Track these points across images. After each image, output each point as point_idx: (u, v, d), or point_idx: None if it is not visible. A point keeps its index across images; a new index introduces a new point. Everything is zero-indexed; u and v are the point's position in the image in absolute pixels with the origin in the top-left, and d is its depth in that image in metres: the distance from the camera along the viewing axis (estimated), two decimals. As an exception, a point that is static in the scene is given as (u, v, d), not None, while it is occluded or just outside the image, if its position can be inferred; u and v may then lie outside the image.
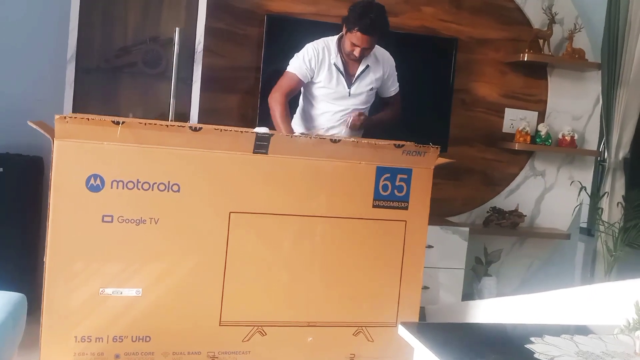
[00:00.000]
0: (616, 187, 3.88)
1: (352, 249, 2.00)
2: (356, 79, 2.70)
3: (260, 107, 3.38)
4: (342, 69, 2.67)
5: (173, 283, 1.85)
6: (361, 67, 2.69)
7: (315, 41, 2.70)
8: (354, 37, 2.53)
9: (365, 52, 2.59)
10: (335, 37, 2.69)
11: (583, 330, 1.55)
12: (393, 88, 2.80)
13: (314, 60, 2.64)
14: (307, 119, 2.80)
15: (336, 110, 2.72)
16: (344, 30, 2.59)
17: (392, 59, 2.79)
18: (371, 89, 2.74)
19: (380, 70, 2.74)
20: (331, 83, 2.67)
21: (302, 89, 2.79)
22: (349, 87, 2.69)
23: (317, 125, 2.75)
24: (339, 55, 2.66)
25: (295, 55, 2.71)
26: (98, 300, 1.79)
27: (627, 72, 3.77)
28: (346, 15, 2.59)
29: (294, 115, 2.86)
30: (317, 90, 2.71)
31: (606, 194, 3.86)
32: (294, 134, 2.10)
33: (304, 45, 2.75)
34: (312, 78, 2.68)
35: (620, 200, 3.84)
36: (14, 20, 3.14)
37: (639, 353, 1.40)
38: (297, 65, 2.66)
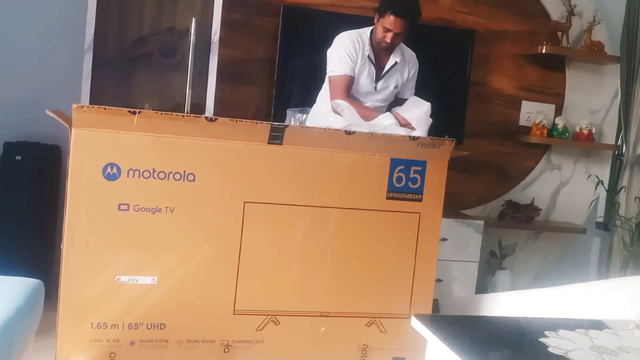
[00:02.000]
0: (633, 182, 3.84)
1: (365, 241, 2.01)
2: (384, 74, 2.67)
3: (275, 98, 3.38)
4: (374, 61, 2.64)
5: (188, 271, 1.86)
6: (390, 62, 2.65)
7: (346, 33, 2.63)
8: (387, 22, 2.49)
9: (397, 39, 2.55)
10: (368, 29, 2.64)
11: (598, 325, 1.54)
12: (410, 92, 2.76)
13: (354, 52, 2.57)
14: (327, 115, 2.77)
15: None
16: (376, 17, 2.56)
17: (417, 63, 2.76)
18: (395, 87, 2.71)
19: (406, 70, 2.72)
20: (362, 76, 2.62)
21: (325, 83, 2.72)
22: (376, 82, 2.67)
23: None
24: (370, 48, 2.62)
25: (331, 55, 2.62)
26: (114, 287, 1.82)
27: (646, 66, 3.72)
28: (379, 3, 2.56)
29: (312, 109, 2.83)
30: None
31: (623, 189, 3.81)
32: (309, 126, 2.10)
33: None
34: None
35: (637, 195, 3.80)
36: (32, 11, 3.17)
37: (654, 348, 1.39)
38: (342, 63, 2.57)
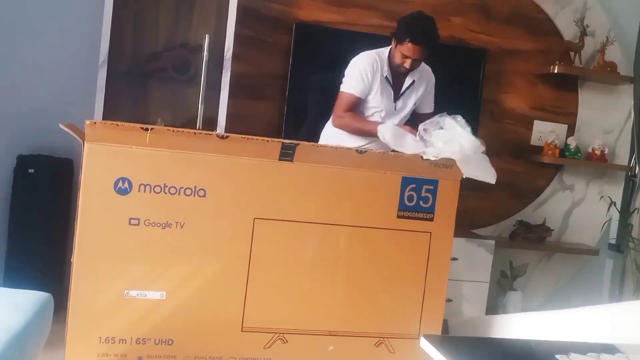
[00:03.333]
0: (647, 204, 3.80)
1: (375, 259, 1.99)
2: (402, 94, 2.68)
3: (286, 114, 3.40)
4: (392, 82, 2.65)
5: (197, 287, 1.86)
6: (408, 82, 2.67)
7: (365, 54, 2.63)
8: (405, 49, 2.51)
9: (415, 64, 2.57)
10: (386, 50, 2.65)
11: (610, 349, 1.51)
12: (429, 106, 2.76)
13: (370, 74, 2.58)
14: (343, 135, 2.75)
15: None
16: (394, 43, 2.57)
17: (433, 77, 2.76)
18: (414, 104, 2.72)
19: (424, 86, 2.73)
20: (382, 97, 2.63)
21: None
22: (395, 102, 2.68)
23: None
24: (388, 69, 2.63)
25: (347, 73, 2.64)
26: (123, 301, 1.82)
27: (660, 86, 3.70)
28: (395, 29, 2.57)
29: (325, 128, 2.83)
30: (368, 105, 2.65)
31: (636, 210, 3.77)
32: (320, 144, 2.10)
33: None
34: (368, 94, 2.62)
35: (651, 216, 3.76)
36: (48, 25, 3.22)
37: (668, 375, 1.36)
38: (354, 83, 2.59)
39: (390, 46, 2.63)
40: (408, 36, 2.48)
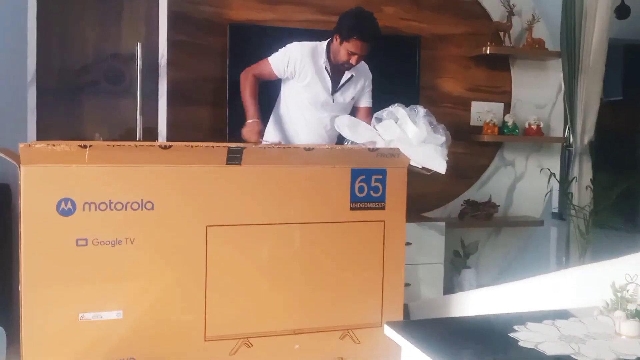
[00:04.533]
0: (584, 172, 3.97)
1: (332, 253, 2.00)
2: (340, 86, 2.71)
3: (229, 117, 3.36)
4: (330, 74, 2.67)
5: (154, 302, 1.82)
6: (347, 76, 2.70)
7: (304, 43, 2.67)
8: (352, 46, 2.53)
9: (360, 60, 2.61)
10: (324, 42, 2.68)
11: (563, 315, 1.58)
12: (367, 100, 2.80)
13: (298, 64, 2.63)
14: (282, 126, 2.79)
15: (315, 117, 2.71)
16: (337, 40, 2.58)
17: (370, 73, 2.81)
18: (352, 99, 2.75)
19: (361, 81, 2.76)
20: (318, 87, 2.66)
21: (282, 92, 2.77)
22: (333, 94, 2.69)
23: (291, 133, 2.74)
24: (327, 60, 2.66)
25: (281, 49, 2.69)
26: (78, 325, 1.76)
27: (586, 59, 3.87)
28: (337, 25, 2.59)
29: (268, 122, 2.84)
30: (301, 94, 2.69)
31: (575, 179, 3.94)
32: (267, 145, 2.09)
33: (269, 52, 2.74)
34: (288, 78, 2.68)
35: (589, 184, 3.93)
36: (-31, 46, 3.07)
37: (619, 333, 1.43)
38: (278, 60, 2.66)
39: (329, 40, 2.65)
40: (355, 34, 2.50)
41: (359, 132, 2.23)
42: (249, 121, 2.61)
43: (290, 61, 2.63)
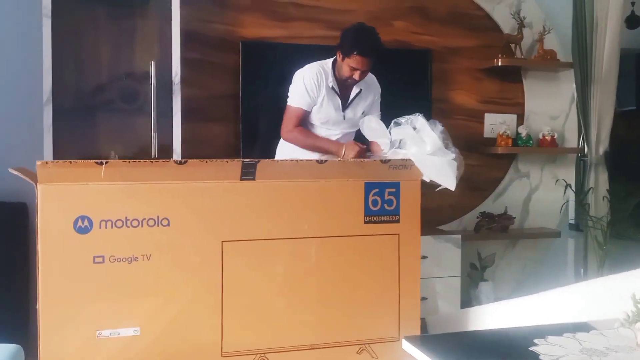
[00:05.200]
0: (600, 182, 3.94)
1: (347, 267, 1.99)
2: (350, 102, 2.71)
3: (242, 133, 3.38)
4: (338, 92, 2.68)
5: (171, 318, 1.82)
6: (355, 91, 2.70)
7: (309, 66, 2.67)
8: (353, 61, 2.54)
9: (363, 75, 2.62)
10: (329, 61, 2.68)
11: (584, 327, 1.55)
12: (376, 114, 2.81)
13: (315, 88, 2.62)
14: (292, 145, 2.79)
15: (329, 135, 2.71)
16: (339, 56, 2.60)
17: (379, 85, 2.81)
18: (362, 113, 2.75)
19: (371, 95, 2.76)
20: (329, 107, 2.66)
21: None
22: (344, 111, 2.70)
23: (303, 151, 2.73)
24: (334, 79, 2.66)
25: (292, 87, 2.68)
26: (95, 343, 1.76)
27: (598, 68, 3.85)
28: (339, 42, 2.60)
29: (280, 140, 2.85)
30: (314, 116, 2.69)
31: (591, 190, 3.90)
32: (279, 159, 2.10)
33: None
34: (313, 105, 2.67)
35: (605, 194, 3.89)
36: (-13, 68, 3.12)
37: (642, 345, 1.41)
38: (299, 97, 2.63)
39: (334, 57, 2.66)
40: (355, 49, 2.52)
41: (376, 134, 2.26)
42: (346, 145, 2.56)
43: (312, 90, 2.62)
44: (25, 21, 3.12)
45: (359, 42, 2.52)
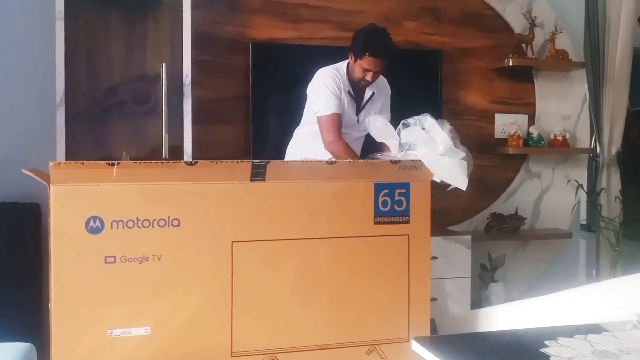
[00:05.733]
0: (612, 183, 3.90)
1: (357, 268, 1.99)
2: (364, 106, 2.71)
3: (252, 135, 3.40)
4: (353, 96, 2.67)
5: (181, 318, 1.83)
6: (368, 94, 2.70)
7: (324, 71, 2.64)
8: (366, 63, 2.53)
9: (376, 76, 2.60)
10: (343, 64, 2.67)
11: (595, 329, 1.54)
12: (386, 115, 2.79)
13: (338, 91, 2.59)
14: (304, 145, 2.77)
15: (344, 139, 2.69)
16: (352, 58, 2.59)
17: (389, 87, 2.80)
18: None
19: (383, 97, 2.76)
20: (345, 112, 2.64)
21: (306, 112, 2.74)
22: (357, 115, 2.70)
23: (314, 153, 2.71)
24: (349, 83, 2.65)
25: (315, 95, 2.62)
26: (107, 342, 1.77)
27: (611, 68, 3.82)
28: (351, 43, 2.59)
29: (290, 141, 2.85)
30: None
31: (603, 190, 3.87)
32: (289, 161, 2.10)
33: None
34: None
35: (617, 195, 3.86)
36: (0, 69, 3.16)
37: (654, 347, 1.39)
38: (329, 103, 2.57)
39: (347, 61, 2.66)
40: (367, 50, 2.51)
41: (384, 135, 2.20)
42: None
43: (334, 94, 2.58)
44: (38, 24, 3.16)
45: (370, 43, 2.52)
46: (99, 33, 3.21)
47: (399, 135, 2.14)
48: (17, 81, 3.19)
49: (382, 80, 2.75)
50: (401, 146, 2.10)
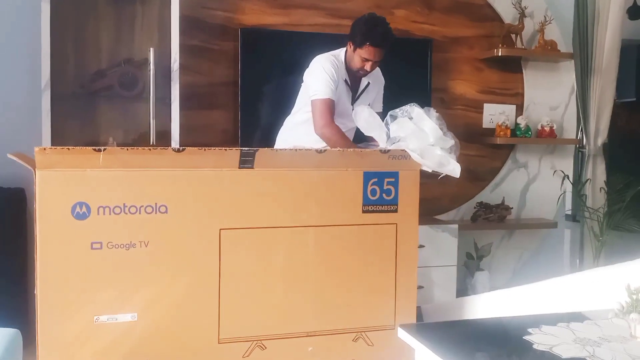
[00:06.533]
0: (597, 173, 3.94)
1: (345, 256, 2.01)
2: (359, 95, 2.70)
3: (241, 121, 3.38)
4: (350, 85, 2.66)
5: (168, 305, 1.83)
6: (363, 84, 2.69)
7: (324, 57, 2.60)
8: (365, 52, 2.51)
9: (374, 66, 2.59)
10: (341, 52, 2.64)
11: (578, 317, 1.57)
12: (379, 105, 2.78)
13: (335, 76, 2.56)
14: (296, 133, 2.76)
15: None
16: (351, 47, 2.57)
17: (383, 78, 2.79)
18: (368, 105, 2.73)
19: (377, 87, 2.76)
20: (341, 99, 2.63)
21: (299, 99, 2.72)
22: (353, 104, 2.69)
23: (306, 140, 2.70)
24: (346, 72, 2.64)
25: (313, 78, 2.59)
26: (93, 328, 1.77)
27: (599, 60, 3.85)
28: (350, 32, 2.57)
29: (281, 128, 2.83)
30: None
31: (588, 181, 3.91)
32: (279, 149, 2.09)
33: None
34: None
35: (602, 185, 3.90)
36: (-15, 52, 3.11)
37: (634, 335, 1.42)
38: (325, 88, 2.53)
39: (344, 49, 2.64)
40: (368, 40, 2.49)
41: (372, 127, 2.18)
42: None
43: (331, 80, 2.54)
44: (24, 6, 3.11)
45: (371, 33, 2.49)
46: (86, 15, 3.16)
47: (387, 128, 2.13)
48: (1, 64, 3.14)
49: (377, 70, 2.75)
50: (390, 140, 2.10)
